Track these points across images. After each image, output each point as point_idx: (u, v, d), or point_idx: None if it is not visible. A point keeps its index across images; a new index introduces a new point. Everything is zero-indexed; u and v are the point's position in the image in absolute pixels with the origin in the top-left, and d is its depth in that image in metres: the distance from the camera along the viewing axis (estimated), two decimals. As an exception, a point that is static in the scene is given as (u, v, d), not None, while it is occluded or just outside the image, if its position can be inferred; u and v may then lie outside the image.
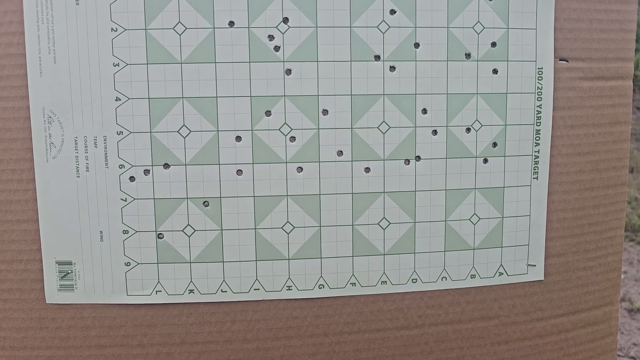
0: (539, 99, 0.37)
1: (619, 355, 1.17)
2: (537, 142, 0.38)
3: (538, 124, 0.37)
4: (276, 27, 0.34)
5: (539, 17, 0.36)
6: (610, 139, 0.39)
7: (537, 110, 0.37)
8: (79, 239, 0.35)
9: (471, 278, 0.38)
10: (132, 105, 0.34)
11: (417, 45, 0.35)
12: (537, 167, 0.38)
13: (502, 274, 0.38)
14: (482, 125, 0.37)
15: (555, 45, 0.37)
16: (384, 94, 0.36)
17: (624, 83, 0.39)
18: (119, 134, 0.35)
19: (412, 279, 0.37)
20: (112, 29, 0.34)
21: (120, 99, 0.34)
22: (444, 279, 0.38)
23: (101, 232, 0.35)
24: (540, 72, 0.37)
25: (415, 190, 0.37)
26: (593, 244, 0.40)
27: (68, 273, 0.36)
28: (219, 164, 0.35)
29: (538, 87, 0.37)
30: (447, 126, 0.36)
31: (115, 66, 0.34)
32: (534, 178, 0.38)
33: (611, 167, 0.40)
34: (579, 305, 0.40)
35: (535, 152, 0.38)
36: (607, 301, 0.41)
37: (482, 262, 0.38)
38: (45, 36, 0.34)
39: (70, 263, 0.35)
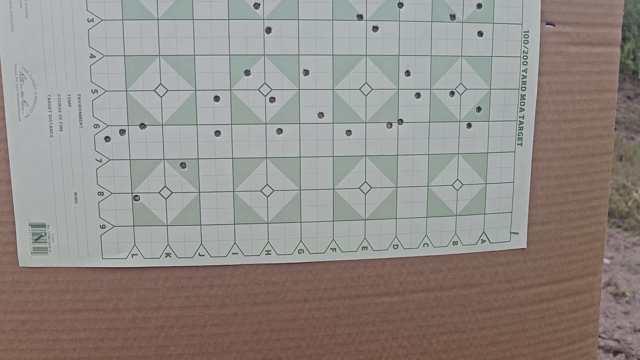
0: (525, 63, 0.37)
1: (603, 338, 1.18)
2: (522, 107, 0.37)
3: (523, 88, 0.37)
4: (256, -17, 0.33)
5: (526, -22, 0.36)
6: (596, 106, 0.39)
7: (522, 75, 0.37)
8: (53, 201, 0.34)
9: (453, 245, 0.38)
10: (107, 62, 0.33)
11: (400, 4, 0.35)
12: (521, 133, 0.37)
13: (485, 241, 0.38)
14: (466, 89, 0.36)
15: (542, 8, 0.36)
16: (366, 55, 0.35)
17: (611, 49, 0.38)
18: (94, 93, 0.34)
19: (394, 245, 0.37)
20: (86, -18, 0.33)
21: (94, 56, 0.33)
22: (425, 245, 0.37)
23: (75, 193, 0.34)
24: (526, 36, 0.36)
25: (397, 154, 0.36)
26: (577, 213, 0.40)
27: (42, 236, 0.35)
28: (197, 125, 0.34)
29: (524, 51, 0.36)
30: (430, 89, 0.36)
31: (89, 22, 0.33)
32: (518, 144, 0.37)
33: (596, 135, 0.39)
34: (561, 275, 0.40)
35: (519, 117, 0.37)
36: (589, 271, 0.41)
37: (464, 229, 0.37)
38: (17, -11, 0.32)
39: (44, 225, 0.35)
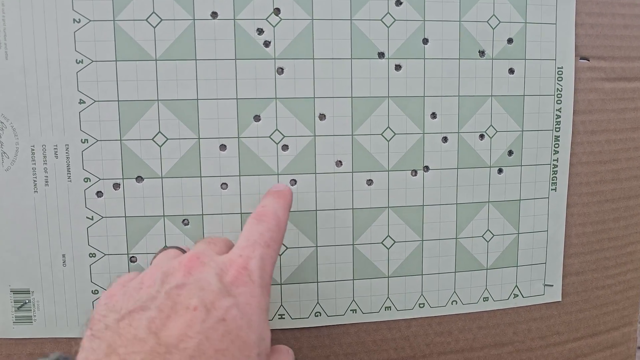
0: (559, 101, 0.33)
1: None
2: (555, 149, 0.34)
3: (557, 129, 0.34)
4: (266, 19, 0.30)
5: (559, 10, 0.33)
6: (631, 145, 0.36)
7: (556, 115, 0.34)
8: (38, 264, 0.30)
9: (484, 301, 0.34)
10: (98, 108, 0.30)
11: (425, 41, 0.31)
12: (555, 177, 0.34)
13: (517, 295, 0.35)
14: (496, 132, 0.33)
15: (576, 42, 0.33)
16: (388, 96, 0.31)
17: (647, 84, 0.36)
18: (84, 142, 0.30)
19: (419, 304, 0.33)
20: (74, 19, 0.29)
21: (84, 102, 0.30)
22: (454, 302, 0.34)
23: (64, 255, 0.30)
24: (560, 72, 0.33)
25: (423, 205, 0.33)
26: (612, 260, 0.37)
27: (25, 303, 0.31)
28: (201, 177, 0.31)
29: (558, 89, 0.33)
30: (458, 132, 0.32)
31: (78, 63, 0.29)
32: (552, 189, 0.34)
33: (632, 176, 0.36)
34: (597, 327, 0.37)
35: (554, 160, 0.34)
36: (626, 321, 0.38)
37: (495, 284, 0.34)
38: (-5, 28, 0.29)
39: (27, 292, 0.31)
